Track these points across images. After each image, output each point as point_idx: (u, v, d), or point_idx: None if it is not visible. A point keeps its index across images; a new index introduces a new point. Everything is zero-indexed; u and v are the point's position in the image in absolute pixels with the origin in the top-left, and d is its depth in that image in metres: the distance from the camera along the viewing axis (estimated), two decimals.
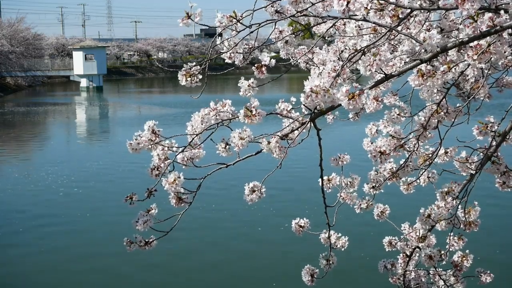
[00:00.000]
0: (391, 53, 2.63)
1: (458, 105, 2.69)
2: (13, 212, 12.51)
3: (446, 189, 2.78)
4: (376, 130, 2.80)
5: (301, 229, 2.76)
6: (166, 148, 2.26)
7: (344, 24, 2.87)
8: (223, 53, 2.49)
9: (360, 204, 2.98)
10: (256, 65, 2.35)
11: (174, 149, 2.27)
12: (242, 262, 9.46)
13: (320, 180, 2.64)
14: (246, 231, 10.91)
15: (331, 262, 2.79)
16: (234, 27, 2.39)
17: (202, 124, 2.21)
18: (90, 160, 18.18)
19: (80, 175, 15.94)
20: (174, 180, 2.24)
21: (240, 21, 2.38)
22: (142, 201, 2.34)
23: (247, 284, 8.69)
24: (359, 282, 8.51)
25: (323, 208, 2.73)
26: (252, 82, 2.30)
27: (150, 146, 2.23)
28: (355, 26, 2.54)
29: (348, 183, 2.93)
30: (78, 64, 54.71)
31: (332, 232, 2.83)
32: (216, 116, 2.18)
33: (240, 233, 10.85)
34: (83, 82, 54.31)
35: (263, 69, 2.33)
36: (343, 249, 2.84)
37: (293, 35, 2.77)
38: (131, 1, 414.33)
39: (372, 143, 2.78)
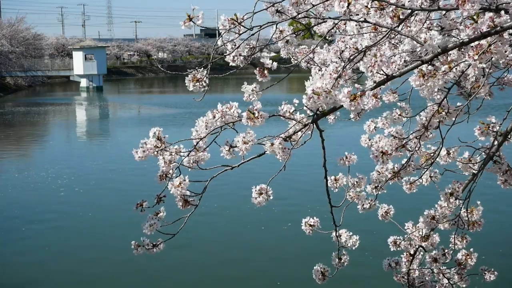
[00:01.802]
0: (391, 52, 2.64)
1: (458, 104, 2.69)
2: (13, 212, 12.52)
3: (449, 191, 2.78)
4: (375, 127, 2.80)
5: (311, 228, 2.76)
6: (172, 154, 2.27)
7: (345, 24, 2.87)
8: (227, 55, 2.50)
9: (363, 205, 2.98)
10: (258, 69, 2.35)
11: (181, 153, 2.28)
12: (246, 261, 9.46)
13: (324, 180, 2.64)
14: (249, 230, 10.92)
15: (342, 261, 2.81)
16: (237, 30, 2.40)
17: (206, 129, 2.22)
18: (90, 160, 18.18)
19: (80, 175, 15.94)
20: (180, 184, 2.25)
21: (242, 24, 2.38)
22: (152, 207, 2.35)
23: (251, 283, 8.69)
24: (362, 281, 8.51)
25: (326, 207, 2.73)
26: (255, 87, 2.31)
27: (155, 153, 2.25)
28: (356, 25, 2.54)
29: (355, 183, 2.92)
30: (78, 64, 54.67)
31: (344, 230, 2.84)
32: (222, 118, 2.19)
33: (243, 232, 10.86)
34: (83, 82, 54.28)
35: (266, 72, 2.34)
36: (353, 248, 2.84)
37: (294, 35, 2.77)
38: (131, 1, 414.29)
39: (369, 140, 2.79)
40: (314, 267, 2.78)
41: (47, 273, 9.17)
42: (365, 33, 2.55)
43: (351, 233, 2.86)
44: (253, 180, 2.42)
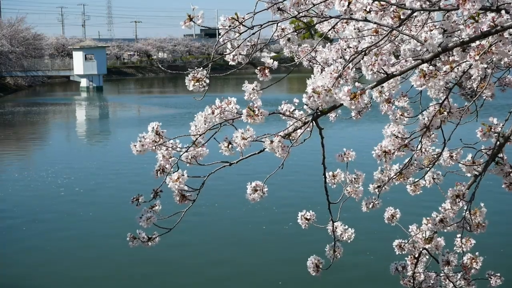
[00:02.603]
0: (394, 54, 2.64)
1: (466, 104, 2.69)
2: (13, 212, 12.51)
3: (455, 193, 2.77)
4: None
5: (307, 221, 2.75)
6: (170, 149, 2.27)
7: (347, 22, 2.87)
8: (227, 54, 2.49)
9: (366, 204, 2.97)
10: (259, 68, 2.35)
11: (178, 149, 2.28)
12: (246, 261, 9.44)
13: (323, 177, 2.64)
14: (250, 229, 10.91)
15: (337, 253, 2.80)
16: (238, 29, 2.39)
17: (205, 124, 2.21)
18: (90, 160, 18.18)
19: (80, 175, 15.94)
20: (178, 178, 2.24)
21: (242, 23, 2.38)
22: (149, 202, 2.35)
23: (252, 283, 8.68)
24: (364, 282, 8.51)
25: (326, 206, 2.72)
26: (256, 86, 2.31)
27: (154, 147, 2.24)
28: (354, 29, 2.54)
29: (353, 179, 2.91)
30: (78, 64, 54.67)
31: (339, 223, 2.82)
32: (221, 114, 2.18)
33: (244, 231, 10.85)
34: (83, 82, 54.27)
35: (266, 71, 2.34)
36: (349, 241, 2.82)
37: (295, 33, 2.77)
38: (131, 1, 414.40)
39: None
40: (309, 259, 2.77)
41: (47, 272, 9.16)
42: (366, 36, 2.54)
43: (346, 226, 2.85)
44: (255, 179, 2.42)
